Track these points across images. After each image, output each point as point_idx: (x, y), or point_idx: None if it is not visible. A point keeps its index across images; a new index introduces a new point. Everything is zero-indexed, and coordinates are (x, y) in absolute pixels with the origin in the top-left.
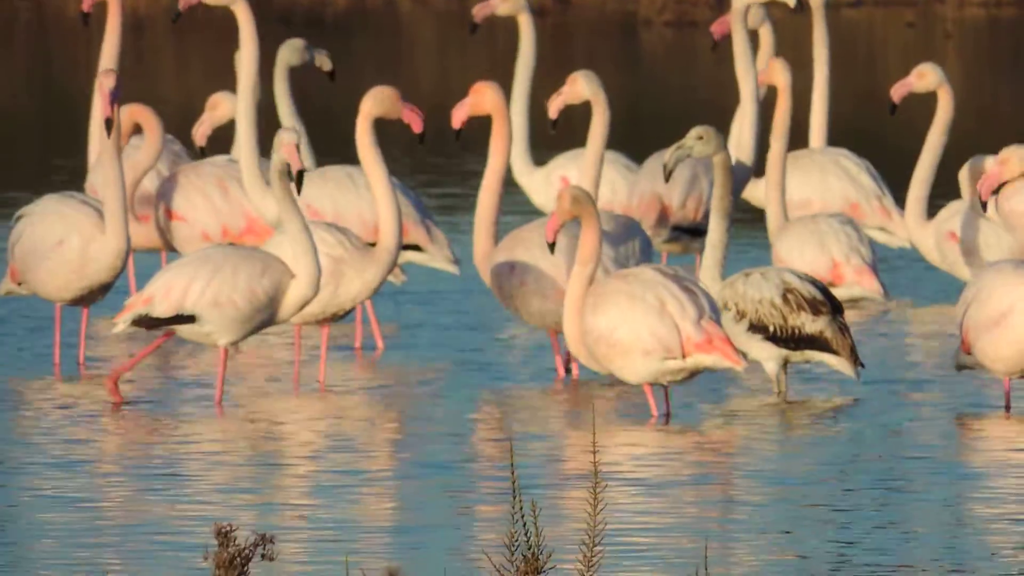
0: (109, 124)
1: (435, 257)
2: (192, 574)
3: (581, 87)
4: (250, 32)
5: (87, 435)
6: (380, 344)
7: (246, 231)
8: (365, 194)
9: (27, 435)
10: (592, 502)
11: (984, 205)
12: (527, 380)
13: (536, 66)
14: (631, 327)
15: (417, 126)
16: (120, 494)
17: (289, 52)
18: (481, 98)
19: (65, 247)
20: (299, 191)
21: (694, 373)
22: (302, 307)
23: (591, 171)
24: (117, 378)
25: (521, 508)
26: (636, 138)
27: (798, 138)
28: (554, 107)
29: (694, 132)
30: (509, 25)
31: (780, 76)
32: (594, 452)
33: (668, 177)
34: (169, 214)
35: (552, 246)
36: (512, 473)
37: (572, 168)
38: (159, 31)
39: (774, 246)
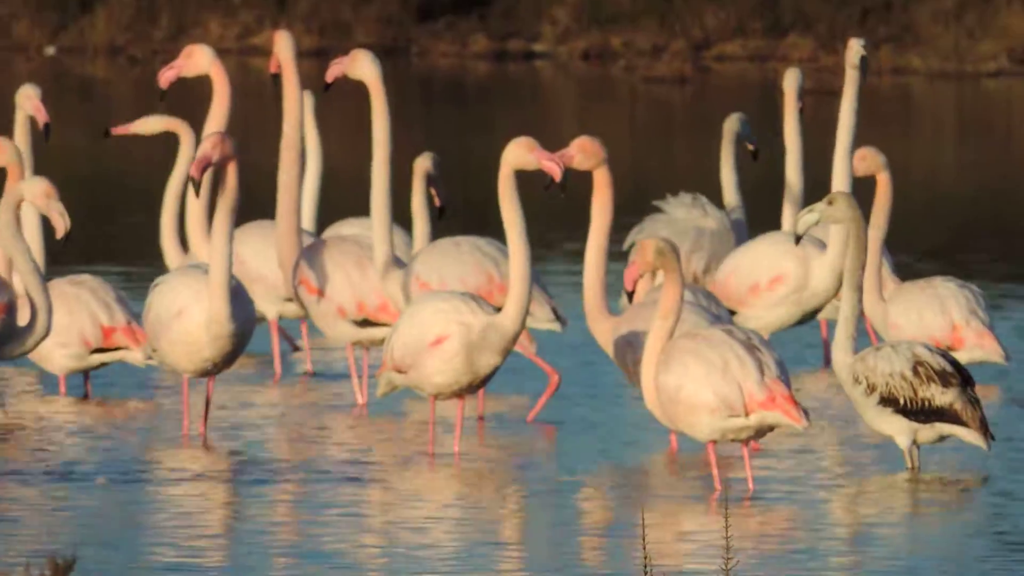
0: (196, 185)
1: (538, 318)
2: None
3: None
4: (382, 103)
5: None
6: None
7: (380, 308)
8: (468, 259)
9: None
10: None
11: (630, 296)
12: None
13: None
14: (696, 386)
15: (556, 175)
16: None
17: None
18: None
19: (184, 318)
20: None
21: (760, 431)
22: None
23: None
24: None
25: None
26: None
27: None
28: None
29: (827, 197)
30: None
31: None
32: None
33: (798, 241)
34: (307, 286)
35: (631, 295)
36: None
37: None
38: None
39: (888, 311)
